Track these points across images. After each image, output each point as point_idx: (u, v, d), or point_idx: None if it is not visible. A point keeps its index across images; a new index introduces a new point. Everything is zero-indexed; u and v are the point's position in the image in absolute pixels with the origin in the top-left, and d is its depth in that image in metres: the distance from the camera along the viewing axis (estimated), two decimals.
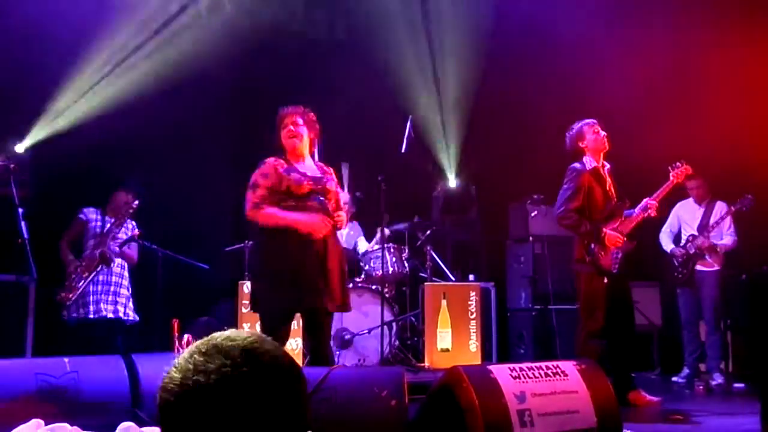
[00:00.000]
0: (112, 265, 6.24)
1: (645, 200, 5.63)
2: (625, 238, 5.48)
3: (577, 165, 5.64)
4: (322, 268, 4.50)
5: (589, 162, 5.64)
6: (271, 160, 4.70)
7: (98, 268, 6.18)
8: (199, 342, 1.29)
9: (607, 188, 5.61)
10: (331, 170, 4.80)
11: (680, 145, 6.79)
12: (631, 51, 7.67)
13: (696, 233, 6.92)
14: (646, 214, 5.58)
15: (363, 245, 7.59)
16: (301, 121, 4.69)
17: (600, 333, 5.42)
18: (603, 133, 5.66)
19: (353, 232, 7.64)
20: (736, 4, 7.36)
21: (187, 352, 1.27)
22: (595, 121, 5.72)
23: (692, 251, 6.90)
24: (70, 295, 6.08)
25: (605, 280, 5.43)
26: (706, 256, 6.86)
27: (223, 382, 1.21)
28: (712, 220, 6.89)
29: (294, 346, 6.30)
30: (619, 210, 5.60)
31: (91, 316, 6.17)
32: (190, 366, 1.23)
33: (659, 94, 7.53)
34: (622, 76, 7.63)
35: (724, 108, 7.12)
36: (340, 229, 4.74)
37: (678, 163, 5.76)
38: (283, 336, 4.45)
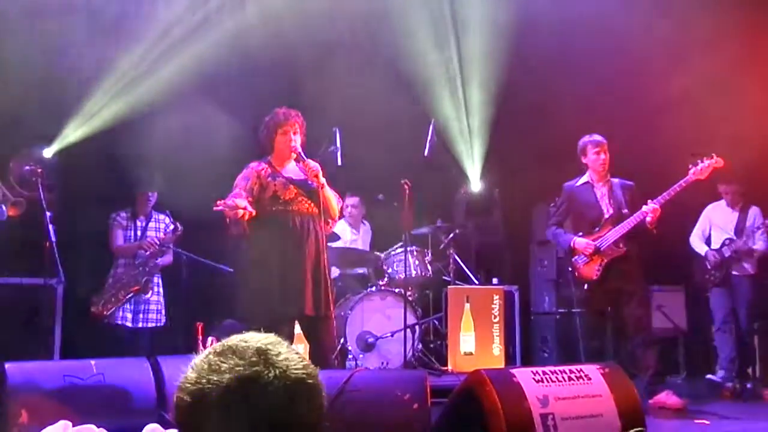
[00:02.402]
0: (151, 292, 6.32)
1: (647, 203, 5.62)
2: (594, 246, 5.67)
3: (567, 183, 6.02)
4: (297, 275, 4.51)
5: (583, 178, 5.92)
6: (254, 165, 4.72)
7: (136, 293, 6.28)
8: (217, 344, 1.31)
9: (599, 200, 5.82)
10: (312, 165, 4.68)
11: (709, 148, 6.71)
12: (661, 53, 7.59)
13: (733, 237, 6.80)
14: (641, 219, 5.60)
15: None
16: (299, 130, 4.71)
17: (589, 335, 5.90)
18: (604, 156, 5.79)
19: (366, 235, 7.66)
20: None
21: (203, 353, 1.29)
22: (601, 140, 5.84)
23: (728, 255, 6.77)
24: (105, 312, 6.19)
25: (585, 287, 5.80)
26: (743, 261, 6.76)
27: (237, 381, 1.23)
28: (748, 225, 6.78)
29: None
30: (608, 221, 5.73)
31: (129, 324, 6.27)
32: (205, 366, 1.26)
33: (689, 97, 7.40)
34: (650, 77, 7.56)
35: (756, 109, 7.02)
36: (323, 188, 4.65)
37: (703, 158, 5.66)
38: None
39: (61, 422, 2.68)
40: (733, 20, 7.08)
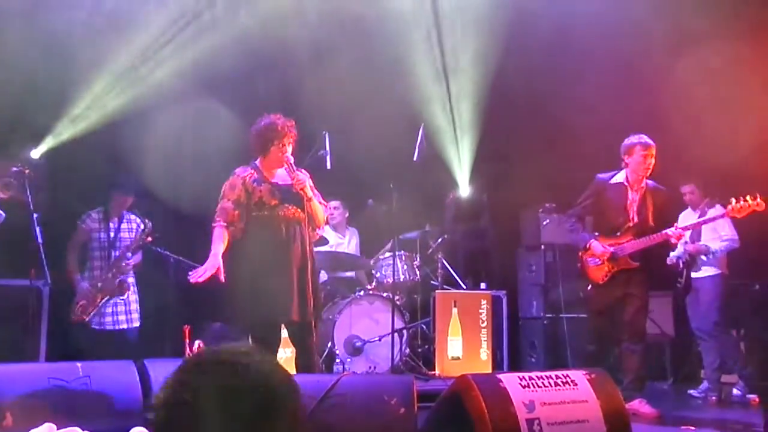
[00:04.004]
0: (129, 290, 6.29)
1: (674, 227, 5.59)
2: (610, 253, 5.59)
3: (601, 175, 5.80)
4: (283, 280, 4.53)
5: (619, 176, 5.73)
6: (239, 171, 4.75)
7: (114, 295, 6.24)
8: (188, 359, 1.30)
9: (629, 206, 5.67)
10: (300, 173, 4.76)
11: (680, 149, 6.73)
12: (643, 63, 7.64)
13: (688, 240, 6.60)
14: (664, 239, 5.56)
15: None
16: (292, 140, 4.74)
17: (589, 337, 5.87)
18: (650, 161, 5.57)
19: (353, 240, 7.66)
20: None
21: (177, 370, 1.29)
22: (652, 143, 5.59)
23: (685, 258, 6.63)
24: (87, 318, 6.16)
25: (589, 287, 5.76)
26: (699, 263, 6.58)
27: (211, 398, 1.23)
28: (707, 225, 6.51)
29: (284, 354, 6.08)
30: (631, 230, 5.64)
31: (109, 327, 6.24)
32: (178, 385, 1.25)
33: (669, 102, 7.43)
34: (635, 88, 7.60)
35: (723, 110, 7.03)
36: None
37: (746, 197, 5.52)
38: (271, 346, 4.47)
39: (46, 425, 2.66)
40: (732, 16, 7.10)
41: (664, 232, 5.55)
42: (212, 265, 4.54)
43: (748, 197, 5.51)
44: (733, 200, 5.57)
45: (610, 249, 5.60)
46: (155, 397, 1.27)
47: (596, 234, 5.77)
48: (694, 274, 6.63)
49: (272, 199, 4.63)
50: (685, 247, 6.60)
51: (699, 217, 6.50)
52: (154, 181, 7.15)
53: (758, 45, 6.94)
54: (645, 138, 5.62)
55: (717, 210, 6.46)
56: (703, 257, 6.57)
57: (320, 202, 4.85)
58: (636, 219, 5.65)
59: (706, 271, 6.59)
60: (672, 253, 6.82)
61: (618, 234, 5.66)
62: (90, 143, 7.01)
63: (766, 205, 5.48)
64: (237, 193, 4.65)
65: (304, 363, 4.57)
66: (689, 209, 6.83)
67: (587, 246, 5.71)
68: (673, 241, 5.54)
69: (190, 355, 1.32)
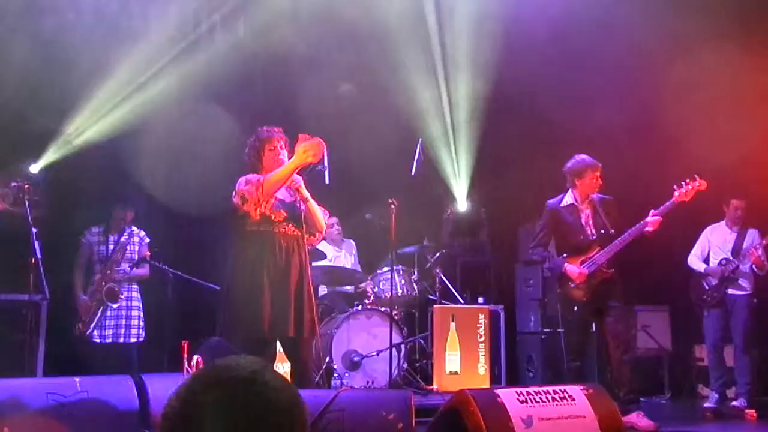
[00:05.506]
0: (120, 298, 6.30)
1: (650, 214, 5.65)
2: (586, 272, 5.69)
3: (550, 201, 6.01)
4: (281, 297, 4.53)
5: (567, 198, 5.92)
6: (251, 176, 4.72)
7: (107, 304, 6.26)
8: (201, 370, 1.30)
9: (585, 223, 5.82)
10: (294, 178, 4.72)
11: (710, 168, 6.74)
12: (643, 73, 7.66)
13: (729, 257, 6.74)
14: (641, 230, 5.63)
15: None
16: (283, 145, 4.74)
17: (574, 354, 5.84)
18: (600, 181, 5.80)
19: (350, 251, 7.67)
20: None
21: (189, 380, 1.29)
22: (599, 165, 5.82)
23: (725, 275, 6.71)
24: (87, 330, 6.21)
25: (575, 308, 5.78)
26: (739, 281, 6.69)
27: (222, 413, 1.23)
28: (745, 245, 6.71)
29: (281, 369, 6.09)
30: (595, 243, 5.75)
31: (109, 340, 6.26)
32: (191, 396, 1.26)
33: (684, 114, 7.41)
34: (635, 100, 7.62)
35: (750, 125, 7.03)
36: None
37: (687, 180, 5.73)
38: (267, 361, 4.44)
39: None
40: (736, 20, 7.09)
41: (642, 222, 5.64)
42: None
43: (689, 181, 5.71)
44: (676, 188, 5.72)
45: (585, 269, 5.71)
46: (163, 412, 1.27)
47: (565, 256, 5.86)
48: (732, 291, 6.69)
49: (277, 214, 4.62)
50: (728, 266, 6.67)
51: (735, 236, 6.73)
52: (153, 196, 7.18)
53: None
54: (591, 159, 5.85)
55: (751, 234, 6.73)
56: (740, 281, 6.67)
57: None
58: (595, 232, 5.79)
59: (742, 289, 6.70)
60: (697, 264, 6.88)
61: (585, 251, 5.78)
62: (89, 158, 7.03)
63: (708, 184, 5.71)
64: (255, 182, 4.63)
65: (300, 378, 4.56)
66: (723, 224, 6.89)
67: (563, 271, 5.80)
68: (648, 229, 5.58)
69: (200, 369, 1.32)
